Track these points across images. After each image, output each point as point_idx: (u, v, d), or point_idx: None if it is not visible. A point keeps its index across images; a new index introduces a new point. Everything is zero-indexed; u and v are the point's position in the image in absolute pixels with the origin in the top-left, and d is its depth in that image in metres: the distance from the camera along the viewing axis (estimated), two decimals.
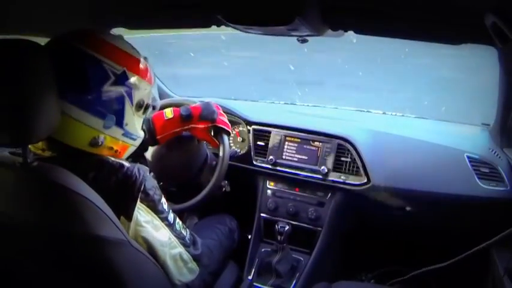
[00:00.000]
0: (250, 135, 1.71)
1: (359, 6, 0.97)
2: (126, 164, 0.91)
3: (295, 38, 1.20)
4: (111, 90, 0.88)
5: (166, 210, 0.98)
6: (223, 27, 1.15)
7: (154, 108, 1.05)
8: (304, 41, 1.21)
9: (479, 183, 1.47)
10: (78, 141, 0.88)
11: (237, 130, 1.75)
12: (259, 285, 1.46)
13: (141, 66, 0.95)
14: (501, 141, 1.55)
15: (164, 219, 0.96)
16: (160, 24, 1.42)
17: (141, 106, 0.96)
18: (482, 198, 1.45)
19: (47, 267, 0.83)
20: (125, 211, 0.87)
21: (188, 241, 1.06)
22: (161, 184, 1.44)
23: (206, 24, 1.20)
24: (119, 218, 0.86)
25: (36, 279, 0.86)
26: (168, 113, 1.37)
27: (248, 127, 1.72)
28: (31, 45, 0.76)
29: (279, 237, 1.47)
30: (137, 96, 0.94)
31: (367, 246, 1.82)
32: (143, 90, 0.96)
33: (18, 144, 0.78)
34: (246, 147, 1.72)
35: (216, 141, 1.42)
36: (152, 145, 1.40)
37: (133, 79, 0.92)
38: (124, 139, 0.96)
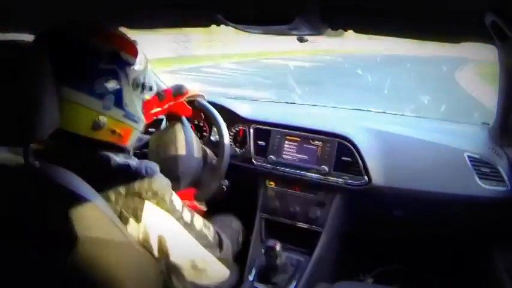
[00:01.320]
0: (250, 134, 1.71)
1: (359, 5, 0.97)
2: (133, 162, 0.89)
3: (295, 37, 1.20)
4: (105, 69, 0.88)
5: (180, 209, 0.95)
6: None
7: (151, 89, 1.04)
8: (302, 40, 1.21)
9: (480, 182, 1.47)
10: (79, 125, 0.88)
11: (236, 129, 1.75)
12: (260, 286, 1.46)
13: (131, 46, 0.96)
14: (501, 140, 1.54)
15: (179, 219, 0.94)
16: (161, 24, 1.43)
17: (138, 85, 0.96)
18: (483, 198, 1.45)
19: (47, 269, 0.83)
20: (134, 212, 0.86)
21: (212, 240, 1.03)
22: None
23: (206, 24, 1.20)
24: (128, 220, 0.85)
25: (36, 281, 0.86)
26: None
27: (248, 126, 1.72)
28: (31, 45, 0.76)
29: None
30: (132, 74, 0.94)
31: (368, 246, 1.82)
32: (137, 68, 0.95)
33: (19, 144, 0.78)
34: (246, 147, 1.72)
35: (196, 111, 1.46)
36: None
37: (125, 57, 0.92)
38: (126, 121, 0.95)
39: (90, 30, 0.89)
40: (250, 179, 1.70)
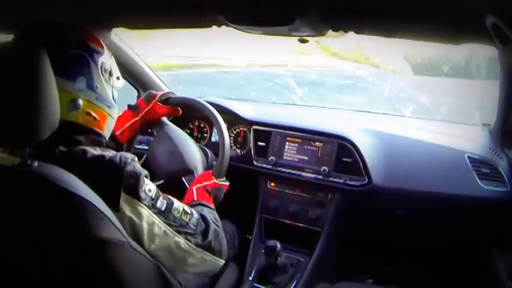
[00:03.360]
0: (251, 135, 1.71)
1: (359, 6, 0.97)
2: (109, 153, 0.91)
3: (296, 38, 1.20)
4: (75, 54, 0.95)
5: (153, 197, 0.94)
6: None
7: (118, 78, 1.09)
8: (304, 41, 1.21)
9: (480, 183, 1.47)
10: None
11: (237, 130, 1.75)
12: (260, 286, 1.46)
13: (97, 40, 1.02)
14: (502, 141, 1.55)
15: (151, 207, 0.93)
16: (161, 24, 1.42)
17: (105, 70, 1.01)
18: (483, 199, 1.45)
19: (47, 270, 0.83)
20: (111, 203, 0.86)
21: (193, 227, 1.01)
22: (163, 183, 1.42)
23: (207, 24, 1.20)
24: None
25: (36, 282, 0.86)
26: None
27: (249, 127, 1.72)
28: (30, 46, 0.76)
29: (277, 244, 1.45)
30: (99, 59, 1.00)
31: (368, 246, 1.82)
32: (104, 56, 1.02)
33: (18, 146, 0.78)
34: (247, 148, 1.72)
35: (171, 108, 1.46)
36: (116, 145, 1.36)
37: (92, 45, 0.99)
38: (99, 104, 0.99)
39: (60, 25, 0.97)
40: (250, 179, 1.70)
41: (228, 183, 1.36)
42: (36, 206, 0.78)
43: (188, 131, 1.86)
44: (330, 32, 1.12)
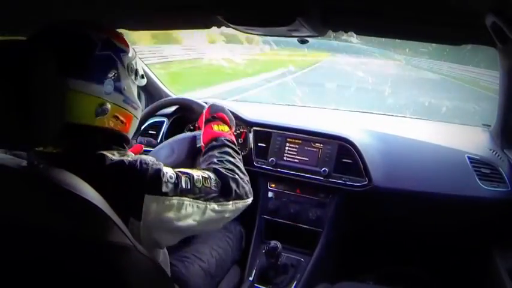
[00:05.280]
0: (251, 136, 1.71)
1: (359, 7, 0.97)
2: (128, 158, 0.89)
3: (296, 38, 1.20)
4: (102, 55, 0.91)
5: (176, 181, 0.92)
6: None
7: (143, 76, 1.05)
8: (304, 42, 1.21)
9: (480, 184, 1.47)
10: (83, 114, 0.89)
11: (238, 132, 1.75)
12: (260, 286, 1.46)
13: (121, 36, 0.99)
14: (502, 141, 1.55)
15: (179, 193, 0.91)
16: (161, 24, 1.43)
17: (132, 70, 0.99)
18: (483, 199, 1.45)
19: (51, 272, 0.83)
20: (133, 211, 0.85)
21: (216, 189, 0.99)
22: None
23: (206, 25, 1.21)
24: (128, 220, 0.84)
25: (39, 284, 0.86)
26: None
27: (249, 128, 1.72)
28: (34, 47, 0.76)
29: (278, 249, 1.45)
30: (126, 59, 0.97)
31: (368, 247, 1.82)
32: (129, 54, 0.99)
33: (23, 147, 0.78)
34: (247, 149, 1.72)
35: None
36: None
37: (118, 43, 0.96)
38: (126, 106, 0.97)
39: (81, 22, 0.93)
40: (251, 180, 1.70)
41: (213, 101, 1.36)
42: (41, 208, 0.78)
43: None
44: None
